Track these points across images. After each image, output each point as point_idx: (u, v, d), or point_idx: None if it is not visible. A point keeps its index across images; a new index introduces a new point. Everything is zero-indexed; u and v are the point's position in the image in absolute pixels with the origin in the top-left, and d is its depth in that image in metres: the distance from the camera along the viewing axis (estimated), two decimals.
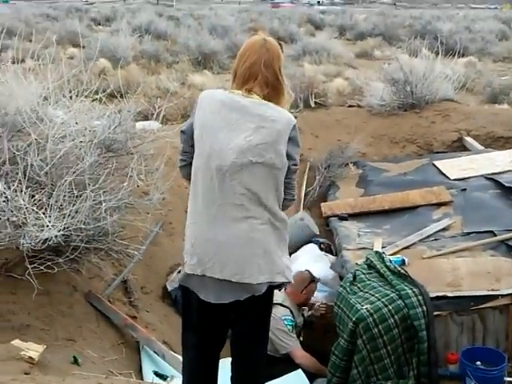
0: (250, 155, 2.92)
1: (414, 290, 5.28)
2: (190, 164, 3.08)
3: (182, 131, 3.15)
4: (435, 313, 5.22)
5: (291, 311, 5.54)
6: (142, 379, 4.53)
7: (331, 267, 6.41)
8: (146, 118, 7.42)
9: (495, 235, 6.18)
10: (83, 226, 4.19)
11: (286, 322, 5.44)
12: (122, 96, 5.69)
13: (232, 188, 2.94)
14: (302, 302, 5.78)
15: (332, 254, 6.82)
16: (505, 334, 5.35)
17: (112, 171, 4.80)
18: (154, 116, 5.36)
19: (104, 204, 4.44)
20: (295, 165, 3.06)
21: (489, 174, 7.56)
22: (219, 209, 2.96)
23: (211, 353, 3.15)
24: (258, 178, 2.94)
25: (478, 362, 5.07)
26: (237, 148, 2.92)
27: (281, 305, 5.51)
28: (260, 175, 2.95)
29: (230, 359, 3.24)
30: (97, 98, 5.42)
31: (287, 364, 5.27)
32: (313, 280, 5.87)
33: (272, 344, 5.29)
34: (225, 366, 3.30)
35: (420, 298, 5.22)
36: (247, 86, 3.00)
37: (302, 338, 5.76)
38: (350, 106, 9.84)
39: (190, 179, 3.10)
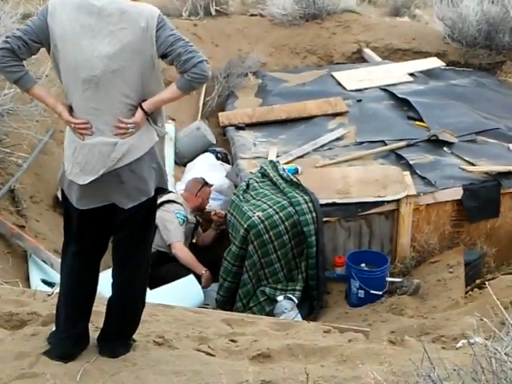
0: (120, 60, 2.81)
1: (305, 197, 5.42)
2: (13, 51, 2.84)
3: (29, 39, 2.81)
4: (324, 219, 5.40)
5: (184, 209, 5.62)
6: (30, 287, 4.48)
7: (227, 176, 6.45)
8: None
9: (386, 145, 6.38)
10: None
11: (177, 215, 5.51)
12: None
13: (106, 97, 2.85)
14: (197, 205, 5.84)
15: (229, 163, 6.85)
16: (389, 237, 5.61)
17: None
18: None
19: None
20: (175, 37, 2.85)
21: (384, 86, 7.70)
22: (94, 118, 2.88)
23: (91, 260, 3.14)
24: (129, 81, 2.84)
25: (363, 264, 5.32)
26: (103, 55, 2.80)
27: (174, 201, 5.60)
28: (130, 78, 2.85)
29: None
30: None
31: (180, 268, 5.35)
32: (206, 184, 5.91)
33: (160, 236, 5.40)
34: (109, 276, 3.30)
35: (310, 204, 5.37)
36: None
37: (194, 240, 5.85)
38: (251, 15, 9.64)
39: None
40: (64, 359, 3.02)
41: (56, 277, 4.59)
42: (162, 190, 3.14)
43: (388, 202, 5.48)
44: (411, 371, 2.54)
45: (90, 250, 3.14)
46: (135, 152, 2.93)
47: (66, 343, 3.07)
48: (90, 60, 2.82)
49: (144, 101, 2.92)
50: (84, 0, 2.83)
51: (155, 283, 5.02)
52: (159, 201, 5.60)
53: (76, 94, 2.89)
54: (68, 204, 3.05)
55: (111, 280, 3.20)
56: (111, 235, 3.16)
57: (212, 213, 5.93)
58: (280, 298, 5.22)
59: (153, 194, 3.04)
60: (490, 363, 2.30)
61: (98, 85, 2.85)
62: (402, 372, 2.74)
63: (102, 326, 3.22)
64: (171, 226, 5.47)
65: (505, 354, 2.19)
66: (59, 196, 5.53)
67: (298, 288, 5.30)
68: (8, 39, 2.86)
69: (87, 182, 2.91)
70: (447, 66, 8.33)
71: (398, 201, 5.48)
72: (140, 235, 3.11)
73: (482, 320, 2.65)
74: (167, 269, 5.27)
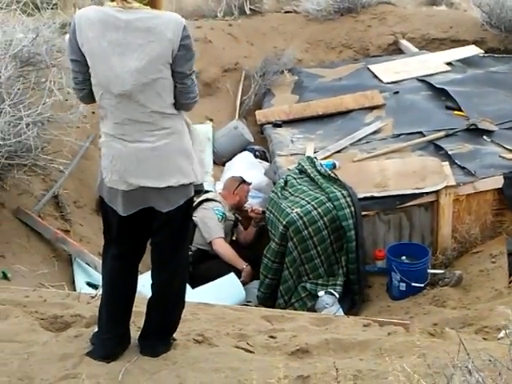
0: (149, 73, 2.87)
1: (343, 192, 5.42)
2: (90, 89, 2.98)
3: (72, 60, 2.94)
4: (363, 213, 5.40)
5: (222, 206, 5.68)
6: (75, 290, 4.59)
7: (265, 174, 6.49)
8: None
9: (424, 136, 6.32)
10: (1, 143, 4.12)
11: (216, 212, 5.58)
12: (53, 7, 5.51)
13: (139, 108, 2.92)
14: (235, 203, 5.90)
15: (267, 161, 6.88)
16: (430, 229, 5.57)
17: (32, 85, 4.69)
18: None
19: (24, 119, 4.36)
20: (189, 70, 2.97)
21: (421, 76, 7.63)
22: (129, 127, 2.95)
23: (131, 262, 3.21)
24: (160, 92, 2.91)
25: (404, 257, 5.29)
26: (133, 70, 2.85)
27: (213, 200, 5.68)
28: (161, 89, 2.91)
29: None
30: (16, 9, 5.24)
31: (221, 265, 5.42)
32: (244, 181, 5.95)
33: (201, 234, 5.48)
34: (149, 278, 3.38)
35: (348, 199, 5.37)
36: None
37: (234, 238, 5.91)
38: (286, 12, 9.65)
39: (93, 101, 3.03)
40: (106, 359, 3.09)
41: (100, 279, 4.70)
42: (198, 191, 3.20)
43: (427, 193, 5.44)
44: (447, 363, 2.54)
45: (129, 253, 3.21)
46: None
47: (108, 343, 3.15)
48: (121, 76, 2.88)
49: None
50: (109, 15, 2.86)
51: (197, 281, 5.10)
52: (198, 200, 5.70)
53: (110, 106, 2.96)
54: (107, 210, 3.13)
55: (151, 281, 3.27)
56: (149, 238, 3.23)
57: (249, 210, 5.98)
58: (321, 293, 5.22)
59: (191, 195, 3.10)
60: None
61: (131, 98, 2.91)
62: (438, 364, 2.73)
63: (142, 325, 3.29)
64: (211, 223, 5.54)
65: None
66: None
67: (338, 283, 5.30)
68: (77, 87, 3.04)
69: (130, 188, 2.99)
70: (486, 53, 8.21)
71: (437, 192, 5.44)
72: (178, 237, 3.17)
73: None
74: (208, 266, 5.35)
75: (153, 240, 3.20)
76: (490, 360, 2.37)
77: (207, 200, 5.67)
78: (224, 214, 5.65)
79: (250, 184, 6.03)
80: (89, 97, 3.04)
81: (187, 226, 3.27)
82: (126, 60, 2.86)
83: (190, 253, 5.47)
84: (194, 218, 5.60)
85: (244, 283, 5.39)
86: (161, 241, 3.16)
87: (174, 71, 2.93)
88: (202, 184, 3.23)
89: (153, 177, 2.99)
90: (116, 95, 2.90)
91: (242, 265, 5.49)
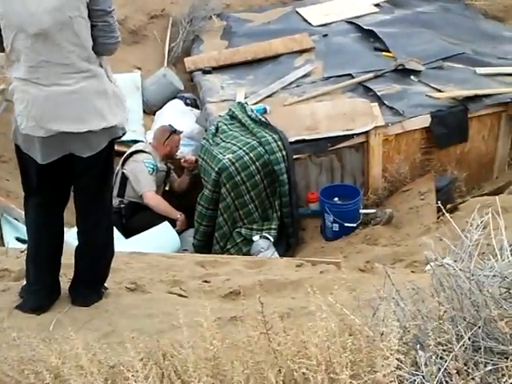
0: (67, 11, 2.76)
1: (274, 136, 5.43)
2: None
3: None
4: (295, 156, 5.43)
5: (153, 157, 5.60)
6: (4, 246, 4.48)
7: (196, 121, 6.42)
8: None
9: (353, 78, 6.35)
10: None
11: (146, 165, 5.51)
12: None
13: (55, 48, 2.81)
14: (166, 153, 5.82)
15: (198, 108, 6.79)
16: (361, 170, 5.66)
17: None
18: None
19: None
20: (109, 7, 2.88)
21: (350, 18, 7.62)
22: (45, 70, 2.84)
23: (54, 210, 3.13)
24: (78, 32, 2.81)
25: (336, 198, 5.37)
26: (50, 7, 2.74)
27: (142, 151, 5.60)
28: (78, 29, 2.81)
29: None
30: None
31: (154, 216, 5.38)
32: (174, 131, 5.87)
33: (132, 187, 5.42)
34: None
35: (280, 143, 5.38)
36: None
37: (167, 188, 5.86)
38: None
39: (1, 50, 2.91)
40: (36, 311, 3.03)
41: None
42: (120, 136, 3.13)
43: (357, 134, 5.50)
44: (374, 295, 2.59)
45: (52, 200, 3.13)
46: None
47: (38, 295, 3.09)
48: (36, 14, 2.77)
49: None
50: None
51: (131, 234, 5.06)
52: (128, 151, 5.61)
53: (24, 48, 2.84)
54: (24, 158, 3.03)
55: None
56: (71, 183, 3.16)
57: (182, 160, 5.92)
58: (256, 237, 5.28)
59: (112, 138, 3.03)
60: (448, 281, 2.35)
61: (47, 38, 2.81)
62: (366, 297, 2.79)
63: (72, 276, 3.24)
64: (141, 176, 5.47)
65: (459, 269, 2.24)
66: None
67: (273, 227, 5.36)
68: None
69: (48, 134, 2.89)
70: None
71: (366, 133, 5.51)
72: (100, 182, 3.12)
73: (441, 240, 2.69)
74: (141, 218, 5.30)
75: (75, 186, 3.14)
76: (413, 289, 2.43)
77: (137, 152, 5.58)
78: (155, 165, 5.57)
79: (180, 133, 5.95)
80: None
81: (109, 169, 3.18)
82: None
83: (122, 206, 5.42)
84: (124, 170, 5.52)
85: (179, 232, 5.37)
86: (83, 187, 3.09)
87: (94, 9, 2.83)
88: (123, 128, 3.15)
89: (72, 121, 2.90)
90: (31, 35, 2.79)
91: (176, 214, 5.47)
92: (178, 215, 5.46)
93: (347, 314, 2.12)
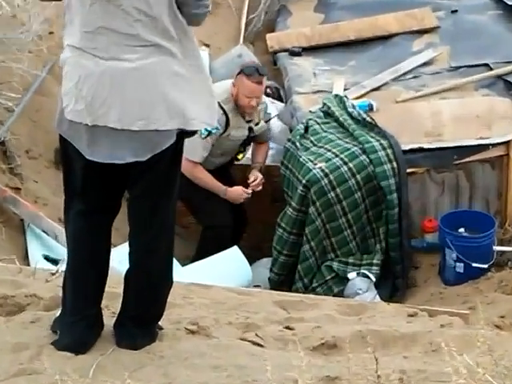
0: None
1: (382, 142, 5.44)
2: None
3: None
4: (409, 170, 5.42)
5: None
6: (29, 265, 4.62)
7: (279, 117, 6.48)
8: None
9: (491, 69, 6.31)
10: None
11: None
12: None
13: (121, 13, 2.89)
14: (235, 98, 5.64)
15: (281, 100, 6.86)
16: (496, 192, 5.60)
17: None
18: None
19: None
20: None
21: None
22: (104, 39, 2.92)
23: (101, 221, 3.21)
24: (154, 2, 2.89)
25: (462, 229, 5.32)
26: None
27: None
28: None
29: None
30: None
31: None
32: (243, 72, 5.61)
33: None
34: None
35: (389, 151, 5.39)
36: None
37: (240, 157, 5.88)
38: None
39: None
40: (74, 349, 3.09)
41: (62, 252, 4.73)
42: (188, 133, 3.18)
43: (494, 145, 5.47)
44: None
45: (99, 208, 3.20)
46: None
47: (76, 328, 3.14)
48: None
49: None
50: None
51: None
52: None
53: (81, 7, 2.93)
54: (69, 153, 3.11)
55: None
56: (124, 190, 3.23)
57: (250, 180, 5.73)
58: (352, 275, 5.28)
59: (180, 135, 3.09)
60: None
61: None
62: (510, 363, 2.76)
63: (119, 310, 3.31)
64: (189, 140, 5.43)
65: None
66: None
67: (375, 262, 5.36)
68: None
69: (95, 123, 2.97)
70: None
71: (507, 143, 5.47)
72: (162, 190, 3.15)
73: None
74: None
75: (130, 194, 3.20)
76: None
77: None
78: (213, 127, 5.44)
79: (259, 83, 5.64)
80: None
81: (174, 175, 3.22)
82: None
83: None
84: None
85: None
86: (138, 195, 3.15)
87: None
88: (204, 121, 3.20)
89: (129, 112, 2.94)
90: None
91: (222, 187, 5.55)
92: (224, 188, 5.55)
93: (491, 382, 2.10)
